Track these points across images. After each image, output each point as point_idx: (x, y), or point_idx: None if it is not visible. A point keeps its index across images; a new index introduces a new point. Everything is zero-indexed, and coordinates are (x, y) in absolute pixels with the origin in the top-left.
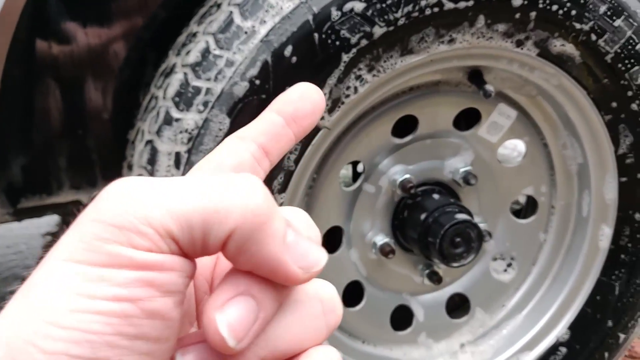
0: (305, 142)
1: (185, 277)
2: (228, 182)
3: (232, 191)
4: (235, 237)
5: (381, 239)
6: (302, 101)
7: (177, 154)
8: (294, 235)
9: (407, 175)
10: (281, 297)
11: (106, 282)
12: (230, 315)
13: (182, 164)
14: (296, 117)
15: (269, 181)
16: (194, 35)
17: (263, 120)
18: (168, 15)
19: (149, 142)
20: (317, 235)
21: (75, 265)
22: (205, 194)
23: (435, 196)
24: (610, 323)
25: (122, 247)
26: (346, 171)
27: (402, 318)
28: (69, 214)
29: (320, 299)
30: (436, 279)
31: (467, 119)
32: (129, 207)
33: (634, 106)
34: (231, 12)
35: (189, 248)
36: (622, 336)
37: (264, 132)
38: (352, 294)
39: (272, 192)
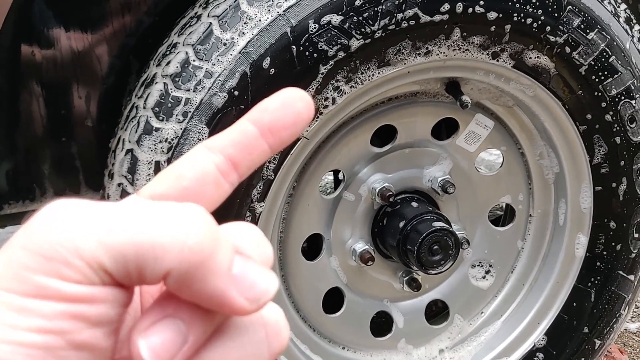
0: (284, 152)
1: (118, 307)
2: (168, 214)
3: (170, 225)
4: (173, 275)
5: (361, 246)
6: (283, 110)
7: (157, 163)
8: (242, 264)
9: (386, 184)
10: (216, 319)
11: (31, 314)
12: (153, 339)
13: None
14: (273, 128)
15: (247, 189)
16: (174, 46)
17: (235, 129)
18: (152, 22)
19: (130, 151)
20: (268, 254)
21: (0, 293)
22: (142, 226)
23: (414, 204)
24: (586, 329)
25: (50, 279)
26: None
27: (382, 324)
28: None
29: (265, 323)
30: (415, 285)
31: (446, 129)
32: (60, 237)
33: (608, 117)
34: (210, 24)
35: (124, 280)
36: (597, 342)
37: (234, 143)
38: (332, 301)
39: (252, 200)
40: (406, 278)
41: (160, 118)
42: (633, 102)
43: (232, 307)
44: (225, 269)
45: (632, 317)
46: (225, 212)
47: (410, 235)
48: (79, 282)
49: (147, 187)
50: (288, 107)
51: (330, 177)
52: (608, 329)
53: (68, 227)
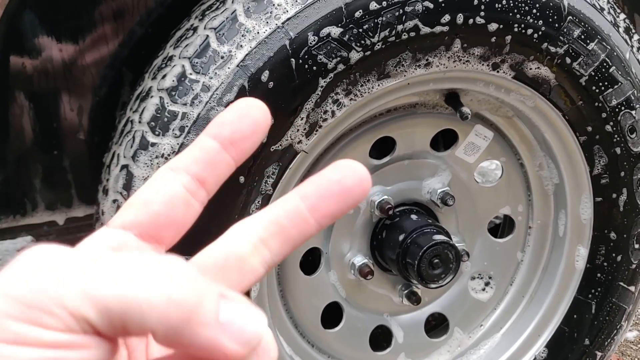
0: (283, 166)
1: (103, 354)
2: (151, 268)
3: (155, 280)
4: (160, 331)
5: (360, 260)
6: (240, 121)
7: None
8: (228, 309)
9: (385, 197)
10: None
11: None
12: None
13: None
14: (233, 140)
15: (245, 205)
16: (170, 58)
17: (196, 146)
18: (145, 33)
19: (125, 166)
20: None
21: None
22: (128, 281)
23: (414, 217)
24: (587, 341)
25: (30, 327)
26: None
27: (381, 338)
28: (43, 235)
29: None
30: (415, 299)
31: (445, 140)
32: (43, 285)
33: (608, 127)
34: (207, 36)
35: (107, 332)
36: (598, 354)
37: (197, 160)
38: (331, 315)
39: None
40: (405, 292)
41: (157, 133)
42: (633, 112)
43: (226, 354)
44: (213, 319)
45: (630, 326)
46: (223, 228)
47: (410, 248)
48: (61, 330)
49: (117, 216)
50: (244, 117)
51: None
52: (609, 340)
53: (52, 276)
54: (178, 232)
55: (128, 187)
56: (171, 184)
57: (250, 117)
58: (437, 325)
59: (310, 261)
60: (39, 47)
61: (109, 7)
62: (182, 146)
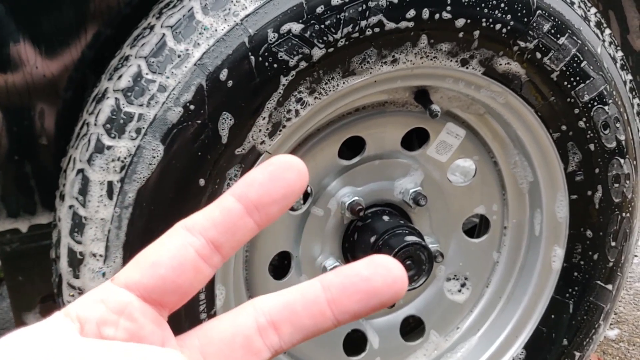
0: (246, 167)
1: None
2: None
3: None
4: None
5: (331, 263)
6: (271, 183)
7: (110, 184)
8: None
9: (356, 198)
10: None
11: None
12: None
13: (115, 194)
14: (260, 204)
15: None
16: (126, 58)
17: (218, 207)
18: (109, 35)
19: (80, 170)
20: None
21: None
22: None
23: (385, 218)
24: (565, 341)
25: None
26: None
27: (355, 343)
28: (6, 243)
29: None
30: None
31: (417, 139)
32: None
33: (581, 123)
34: (164, 35)
35: None
36: (577, 354)
37: (216, 223)
38: None
39: None
40: None
41: (112, 135)
42: (606, 107)
43: None
44: None
45: (611, 324)
46: None
47: (382, 250)
48: None
49: (122, 273)
50: (277, 179)
51: None
52: (587, 340)
53: None
54: (184, 297)
55: (84, 192)
56: (182, 247)
57: (283, 180)
58: (414, 328)
59: (280, 265)
60: (1, 51)
61: (71, 8)
62: (138, 149)
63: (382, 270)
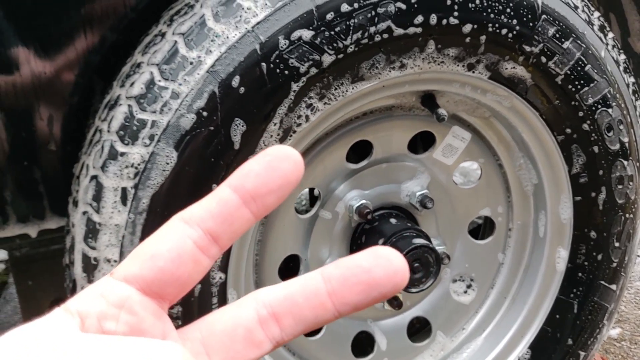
0: None
1: None
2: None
3: None
4: None
5: None
6: (267, 173)
7: (124, 190)
8: None
9: (364, 201)
10: None
11: None
12: None
13: (129, 200)
14: (257, 195)
15: None
16: (138, 65)
17: (215, 198)
18: (115, 40)
19: (94, 177)
20: None
21: None
22: None
23: (393, 221)
24: (570, 341)
25: None
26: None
27: (363, 344)
28: (15, 248)
29: None
30: (397, 303)
31: (423, 142)
32: None
33: (585, 126)
34: (176, 42)
35: None
36: (582, 354)
37: (213, 214)
38: None
39: None
40: None
41: (126, 142)
42: (610, 110)
43: None
44: None
45: (613, 324)
46: None
47: None
48: None
49: (121, 266)
50: (274, 169)
51: (306, 195)
52: (592, 339)
53: None
54: (183, 289)
55: (98, 198)
56: (181, 238)
57: (279, 171)
58: (420, 329)
59: (290, 268)
60: (7, 55)
61: (78, 14)
62: (152, 155)
63: (383, 262)
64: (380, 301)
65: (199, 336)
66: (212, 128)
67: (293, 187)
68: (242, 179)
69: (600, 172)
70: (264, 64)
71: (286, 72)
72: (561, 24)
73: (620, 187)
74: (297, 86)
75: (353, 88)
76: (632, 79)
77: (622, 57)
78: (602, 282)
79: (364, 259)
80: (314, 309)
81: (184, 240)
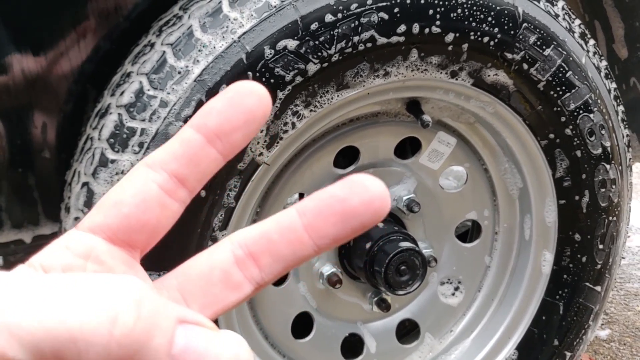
0: (245, 178)
1: None
2: (91, 295)
3: (94, 312)
4: None
5: (328, 269)
6: (231, 110)
7: None
8: (185, 338)
9: None
10: None
11: None
12: None
13: None
14: (221, 132)
15: (207, 218)
16: (128, 75)
17: (177, 140)
18: (108, 49)
19: (85, 184)
20: None
21: None
22: (59, 314)
23: (380, 224)
24: (556, 342)
25: None
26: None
27: (352, 346)
28: (10, 253)
29: None
30: (385, 306)
31: (409, 148)
32: None
33: (568, 131)
34: (164, 52)
35: None
36: (568, 354)
37: (176, 155)
38: (301, 325)
39: (213, 229)
40: (375, 299)
41: (116, 149)
42: (591, 115)
43: None
44: (165, 352)
45: (602, 324)
46: (186, 243)
47: (377, 256)
48: None
49: (86, 218)
50: (236, 106)
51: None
52: (577, 340)
53: None
54: (153, 236)
55: (89, 204)
56: (144, 182)
57: (243, 106)
58: (409, 331)
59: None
60: (1, 63)
61: (71, 22)
62: None
63: (358, 189)
64: (362, 231)
65: (174, 283)
66: None
67: (260, 122)
68: (204, 118)
69: (584, 176)
70: (250, 72)
71: (272, 80)
72: (542, 31)
73: (603, 190)
74: (283, 94)
75: (338, 96)
76: (613, 85)
77: (604, 63)
78: (587, 284)
79: (339, 188)
80: (291, 245)
81: (148, 184)
